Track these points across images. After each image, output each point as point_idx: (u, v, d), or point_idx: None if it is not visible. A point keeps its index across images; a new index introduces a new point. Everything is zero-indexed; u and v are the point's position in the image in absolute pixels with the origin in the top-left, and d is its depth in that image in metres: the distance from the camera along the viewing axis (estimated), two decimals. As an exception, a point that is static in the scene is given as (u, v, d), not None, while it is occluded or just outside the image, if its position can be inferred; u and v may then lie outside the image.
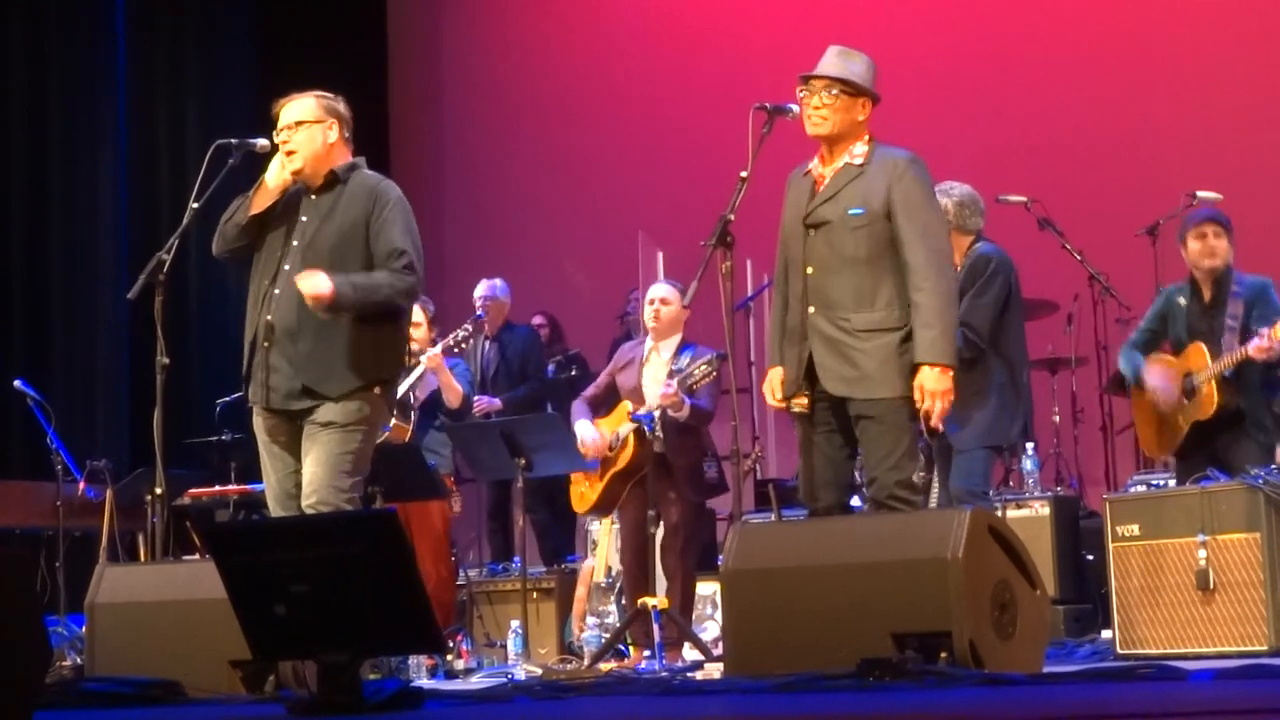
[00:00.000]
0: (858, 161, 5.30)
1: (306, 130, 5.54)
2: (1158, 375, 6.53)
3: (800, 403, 5.28)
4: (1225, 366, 6.28)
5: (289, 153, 5.54)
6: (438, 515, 7.59)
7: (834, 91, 5.28)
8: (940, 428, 5.30)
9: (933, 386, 5.13)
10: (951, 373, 5.16)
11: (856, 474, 5.73)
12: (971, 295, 6.16)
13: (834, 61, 5.34)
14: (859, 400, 5.19)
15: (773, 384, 5.41)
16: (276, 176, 5.57)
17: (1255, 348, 6.15)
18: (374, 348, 5.45)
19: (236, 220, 5.59)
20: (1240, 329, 6.32)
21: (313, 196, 5.57)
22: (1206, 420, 6.34)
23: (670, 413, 7.02)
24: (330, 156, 5.58)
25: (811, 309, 5.27)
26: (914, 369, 5.16)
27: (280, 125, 5.58)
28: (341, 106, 5.65)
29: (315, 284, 5.31)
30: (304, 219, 5.55)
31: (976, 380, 6.16)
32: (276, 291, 5.47)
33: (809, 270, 5.29)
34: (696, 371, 6.93)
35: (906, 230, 5.20)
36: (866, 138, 5.34)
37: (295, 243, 5.51)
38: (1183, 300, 6.55)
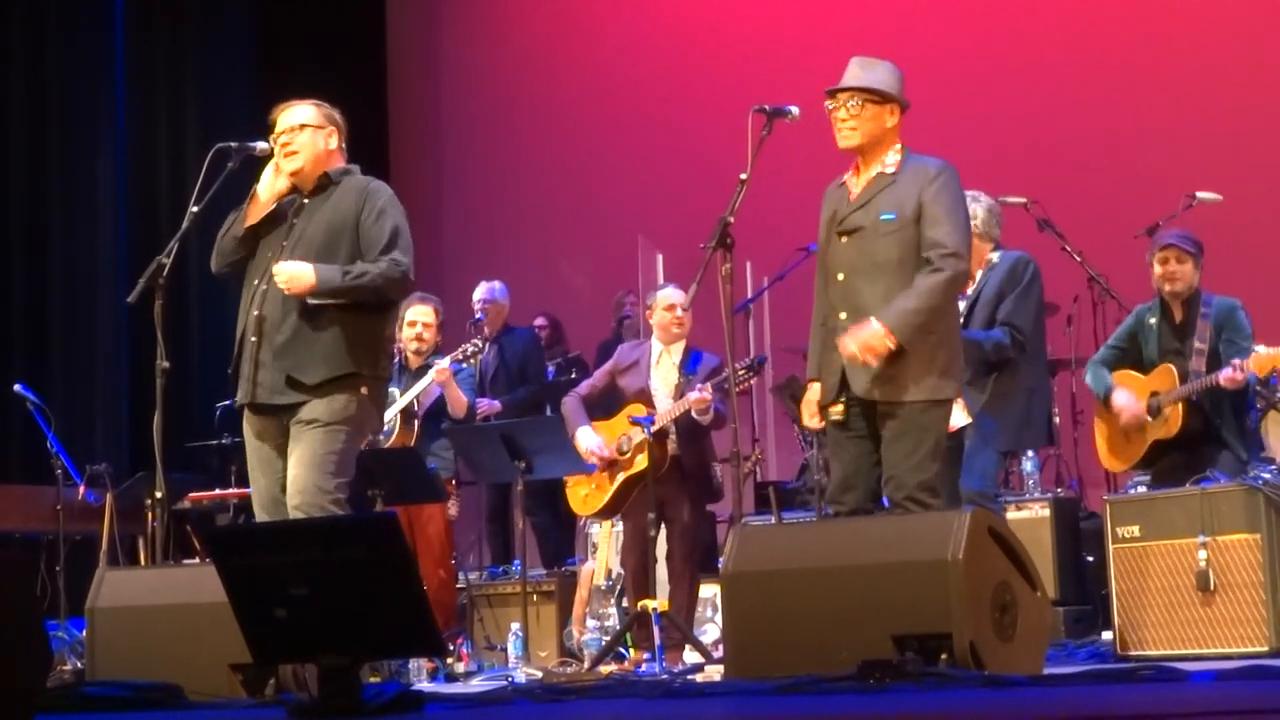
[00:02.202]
0: (890, 170, 5.32)
1: (310, 134, 5.59)
2: (1125, 395, 6.55)
3: (838, 410, 5.28)
4: (1193, 391, 6.32)
5: (290, 153, 5.56)
6: (439, 518, 7.59)
7: (858, 102, 5.29)
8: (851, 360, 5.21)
9: (872, 342, 5.10)
10: (893, 346, 5.10)
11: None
12: (1016, 296, 6.19)
13: (856, 72, 5.35)
14: (886, 401, 5.19)
15: (810, 404, 5.43)
16: (269, 188, 5.60)
17: (1225, 378, 6.21)
18: (354, 339, 5.45)
19: (234, 233, 5.62)
20: (1208, 352, 6.37)
21: (305, 201, 5.61)
22: (1170, 440, 6.39)
23: (695, 415, 7.04)
24: (328, 162, 5.64)
25: (843, 314, 5.28)
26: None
27: (280, 128, 5.60)
28: (339, 116, 5.70)
29: (294, 267, 5.35)
30: (295, 221, 5.59)
31: (1006, 382, 6.16)
32: (265, 288, 5.50)
33: (840, 276, 5.32)
34: (736, 375, 6.92)
35: (931, 230, 5.21)
36: (899, 146, 5.36)
37: (285, 243, 5.55)
38: (1153, 320, 6.58)
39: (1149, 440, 6.49)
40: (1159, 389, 6.46)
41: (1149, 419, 6.47)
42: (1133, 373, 6.62)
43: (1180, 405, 6.39)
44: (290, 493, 5.35)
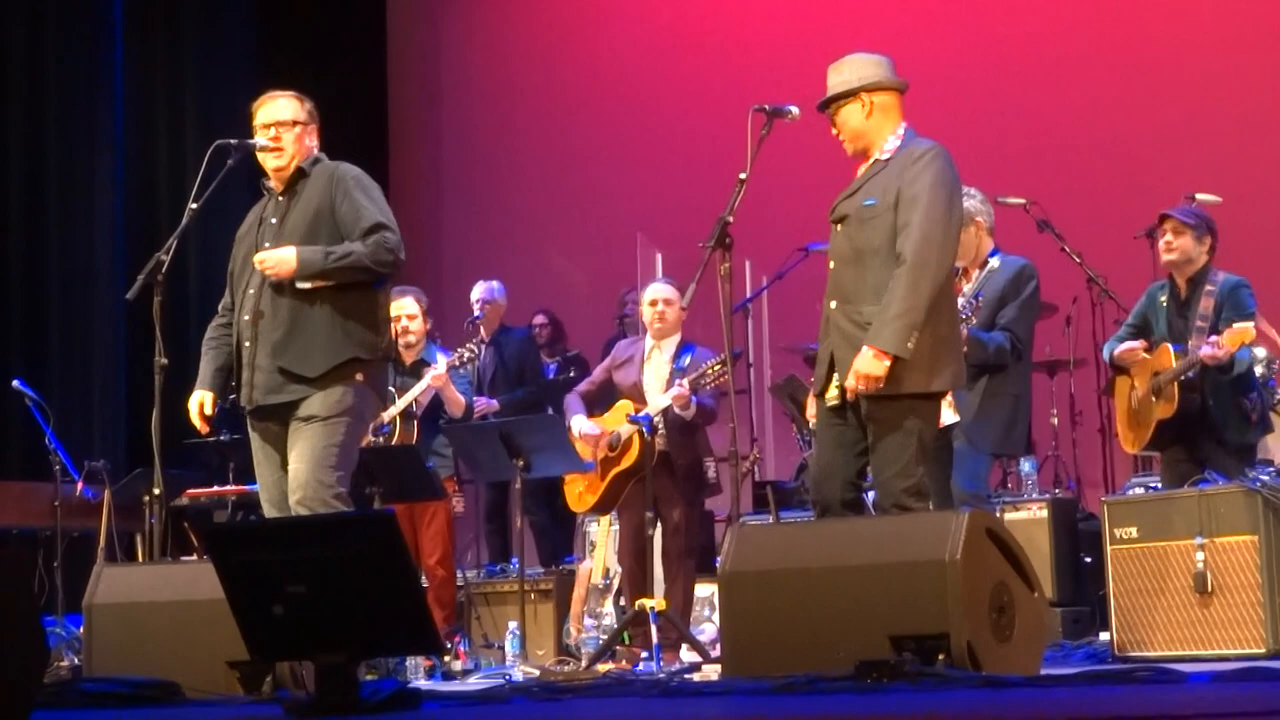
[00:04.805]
0: (885, 156, 5.28)
1: (297, 133, 5.62)
2: (1125, 345, 6.58)
3: (833, 396, 5.24)
4: (1185, 369, 6.29)
5: (278, 150, 5.57)
6: (443, 516, 7.60)
7: (831, 113, 5.32)
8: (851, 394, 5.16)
9: (867, 369, 5.03)
10: (889, 363, 5.03)
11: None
12: (1019, 304, 6.20)
13: (828, 84, 5.35)
14: (870, 398, 5.12)
15: (811, 400, 5.43)
16: None
17: (1206, 355, 6.18)
18: (350, 322, 5.46)
19: None
20: (1210, 329, 6.34)
21: (279, 199, 5.62)
22: (1172, 419, 6.36)
23: (677, 410, 7.04)
24: (307, 157, 5.66)
25: (833, 303, 5.26)
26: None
27: (267, 122, 5.60)
28: (314, 107, 5.73)
29: (276, 252, 5.38)
30: (273, 220, 5.62)
31: (997, 386, 6.16)
32: (253, 292, 5.53)
33: (831, 265, 5.31)
34: (710, 371, 6.94)
35: (903, 215, 5.13)
36: (900, 130, 5.30)
37: (268, 244, 5.56)
38: (1163, 298, 6.59)
39: (1154, 420, 6.46)
40: (1160, 369, 6.45)
41: (1153, 400, 6.45)
42: (1142, 353, 6.60)
43: (1176, 385, 6.34)
44: (292, 488, 5.36)
